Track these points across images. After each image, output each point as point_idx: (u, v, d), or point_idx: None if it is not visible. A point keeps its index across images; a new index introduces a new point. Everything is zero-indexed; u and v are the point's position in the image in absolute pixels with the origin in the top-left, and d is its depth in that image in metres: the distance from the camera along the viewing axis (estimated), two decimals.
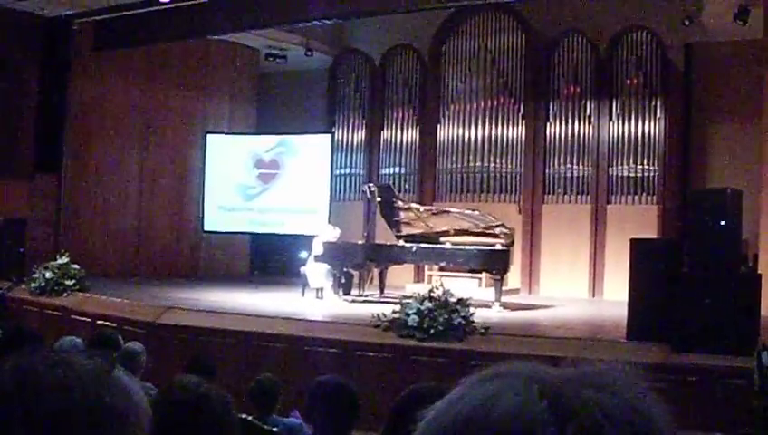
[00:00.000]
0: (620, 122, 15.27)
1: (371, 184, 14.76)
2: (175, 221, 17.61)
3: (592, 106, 15.52)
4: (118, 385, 1.07)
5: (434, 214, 13.63)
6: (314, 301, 13.01)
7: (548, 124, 15.84)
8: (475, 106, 16.38)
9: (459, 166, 16.44)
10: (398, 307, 9.75)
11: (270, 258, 18.27)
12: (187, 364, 5.85)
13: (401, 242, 13.20)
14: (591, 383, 0.79)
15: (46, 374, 1.05)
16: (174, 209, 17.62)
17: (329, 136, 17.35)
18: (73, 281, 12.83)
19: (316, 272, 13.13)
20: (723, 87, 14.94)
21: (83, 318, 11.68)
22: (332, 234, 13.51)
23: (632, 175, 15.11)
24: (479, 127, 16.30)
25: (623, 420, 0.77)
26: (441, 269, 13.82)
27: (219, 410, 2.43)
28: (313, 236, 13.59)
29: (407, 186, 16.84)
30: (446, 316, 9.38)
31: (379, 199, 13.64)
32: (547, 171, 15.81)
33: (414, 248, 12.79)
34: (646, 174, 15.02)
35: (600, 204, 15.32)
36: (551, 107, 15.86)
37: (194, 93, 17.91)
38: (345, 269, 13.30)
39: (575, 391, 0.78)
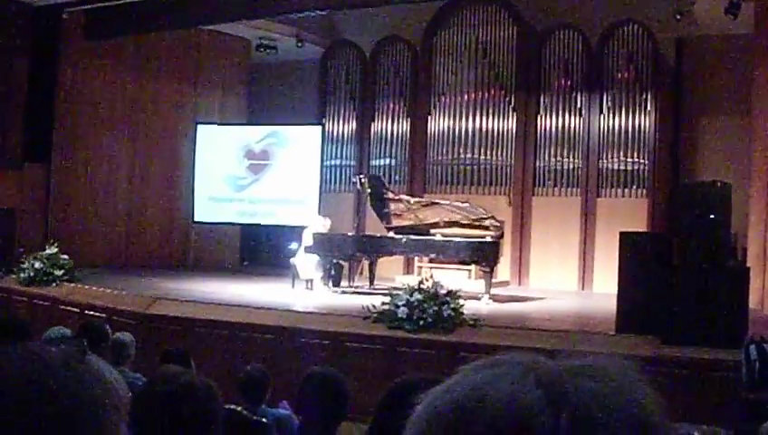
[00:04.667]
0: (611, 116, 15.28)
1: (362, 175, 14.74)
2: (165, 212, 17.56)
3: (583, 99, 15.53)
4: (90, 373, 1.06)
5: (424, 206, 13.63)
6: (304, 292, 13.00)
7: (539, 117, 15.84)
8: (465, 98, 16.37)
9: (450, 158, 16.43)
10: (387, 299, 9.77)
11: (260, 249, 18.25)
12: (161, 357, 5.83)
13: (391, 233, 13.21)
14: (587, 373, 0.80)
15: (10, 367, 1.03)
16: (164, 200, 17.57)
17: (319, 127, 17.33)
18: (62, 271, 12.80)
19: (306, 263, 13.12)
20: (713, 81, 14.98)
21: (72, 308, 11.66)
22: (323, 225, 13.50)
23: (622, 168, 15.13)
24: (470, 119, 16.29)
25: (618, 409, 0.78)
26: (431, 261, 13.83)
27: (203, 399, 2.43)
28: (303, 228, 13.58)
29: (397, 177, 16.82)
30: (436, 308, 9.40)
31: (369, 191, 13.63)
32: (537, 164, 15.82)
33: (404, 240, 12.80)
34: (636, 167, 15.04)
35: (589, 197, 15.34)
36: (541, 100, 15.85)
37: (184, 84, 17.86)
38: (335, 260, 13.30)
39: (571, 381, 0.79)
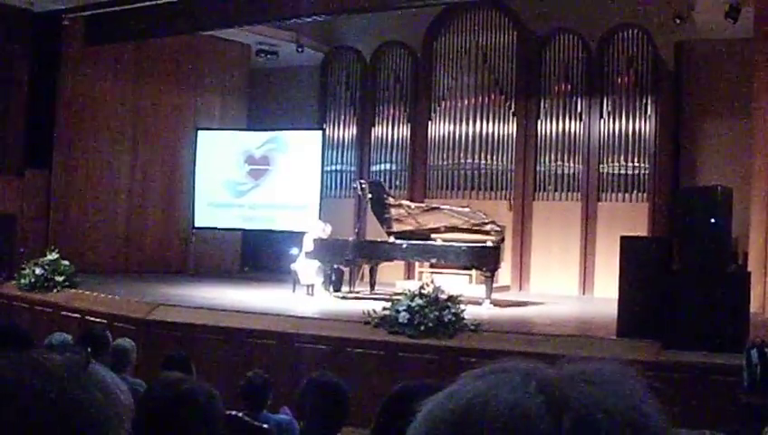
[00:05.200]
0: (611, 120, 15.29)
1: (362, 181, 14.77)
2: (165, 217, 17.56)
3: (583, 104, 15.54)
4: (93, 381, 1.06)
5: (425, 211, 13.63)
6: (305, 298, 12.99)
7: (539, 121, 15.85)
8: (466, 103, 16.39)
9: (450, 163, 16.44)
10: (388, 304, 9.77)
11: (260, 255, 18.25)
12: (164, 362, 5.84)
13: (392, 239, 13.20)
14: (588, 379, 0.81)
15: (12, 375, 1.03)
16: (164, 205, 17.57)
17: (320, 132, 17.32)
18: (63, 277, 12.79)
19: (307, 269, 13.12)
20: (713, 85, 14.98)
21: (73, 314, 11.65)
22: (324, 230, 13.50)
23: (623, 172, 15.14)
24: (470, 124, 16.30)
25: (619, 414, 0.78)
26: (432, 266, 13.83)
27: (205, 406, 2.42)
28: (304, 233, 13.58)
29: (397, 182, 16.83)
30: (437, 313, 9.39)
31: (369, 196, 13.63)
32: (538, 169, 15.83)
33: (404, 245, 12.79)
34: (636, 172, 15.05)
35: (590, 201, 15.34)
36: (542, 104, 15.87)
37: (184, 89, 17.86)
38: (336, 266, 13.29)
39: (572, 387, 0.79)
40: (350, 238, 13.69)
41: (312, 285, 13.14)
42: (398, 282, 14.17)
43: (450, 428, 0.80)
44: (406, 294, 9.74)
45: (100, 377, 1.07)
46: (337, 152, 17.57)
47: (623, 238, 9.75)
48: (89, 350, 5.66)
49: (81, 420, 1.01)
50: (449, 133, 16.49)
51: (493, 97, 16.23)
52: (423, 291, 9.69)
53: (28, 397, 1.00)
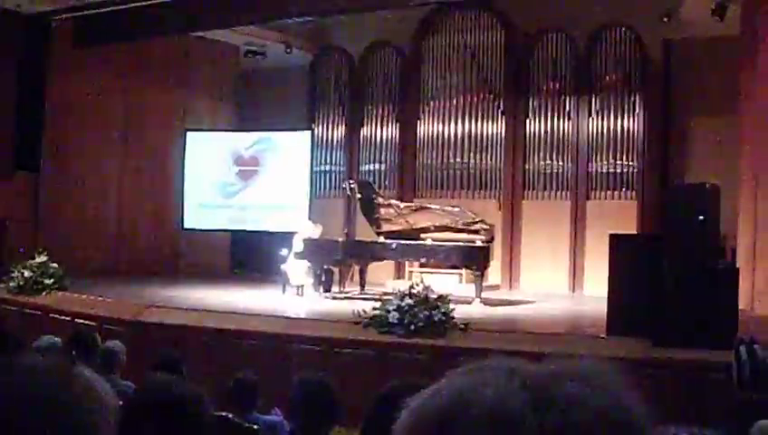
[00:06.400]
0: (600, 118, 15.32)
1: (352, 181, 14.77)
2: (155, 219, 17.51)
3: (572, 102, 15.57)
4: (78, 383, 1.05)
5: (414, 210, 13.64)
6: (295, 298, 12.99)
7: (527, 120, 15.87)
8: (454, 102, 16.40)
9: (439, 162, 16.45)
10: (378, 304, 9.76)
11: (250, 256, 18.22)
12: (156, 363, 5.83)
13: (382, 239, 13.21)
14: (572, 377, 0.81)
15: None
16: (154, 207, 17.52)
17: (308, 133, 17.32)
18: (52, 280, 12.74)
19: (296, 269, 13.11)
20: (701, 83, 15.01)
21: (63, 317, 11.61)
22: (314, 231, 13.50)
23: (612, 171, 15.17)
24: (459, 123, 16.31)
25: (602, 412, 0.78)
26: (421, 265, 13.84)
27: (193, 408, 2.42)
28: (294, 234, 13.56)
29: (387, 182, 16.82)
30: (427, 313, 9.39)
31: (359, 196, 13.64)
32: (527, 167, 15.85)
33: (394, 245, 12.80)
34: (625, 170, 15.08)
35: (579, 200, 15.37)
36: (530, 103, 15.89)
37: (173, 90, 17.80)
38: (325, 266, 13.29)
39: (555, 384, 0.79)
40: (340, 239, 13.69)
41: (302, 286, 13.14)
42: (388, 281, 14.19)
43: (435, 424, 0.80)
44: (396, 294, 9.74)
45: (84, 378, 1.07)
46: (326, 152, 17.56)
47: (612, 236, 9.77)
48: (75, 352, 5.65)
49: (65, 422, 1.01)
50: (438, 133, 16.50)
51: (481, 96, 16.24)
52: (413, 291, 9.69)
53: (13, 399, 1.00)
